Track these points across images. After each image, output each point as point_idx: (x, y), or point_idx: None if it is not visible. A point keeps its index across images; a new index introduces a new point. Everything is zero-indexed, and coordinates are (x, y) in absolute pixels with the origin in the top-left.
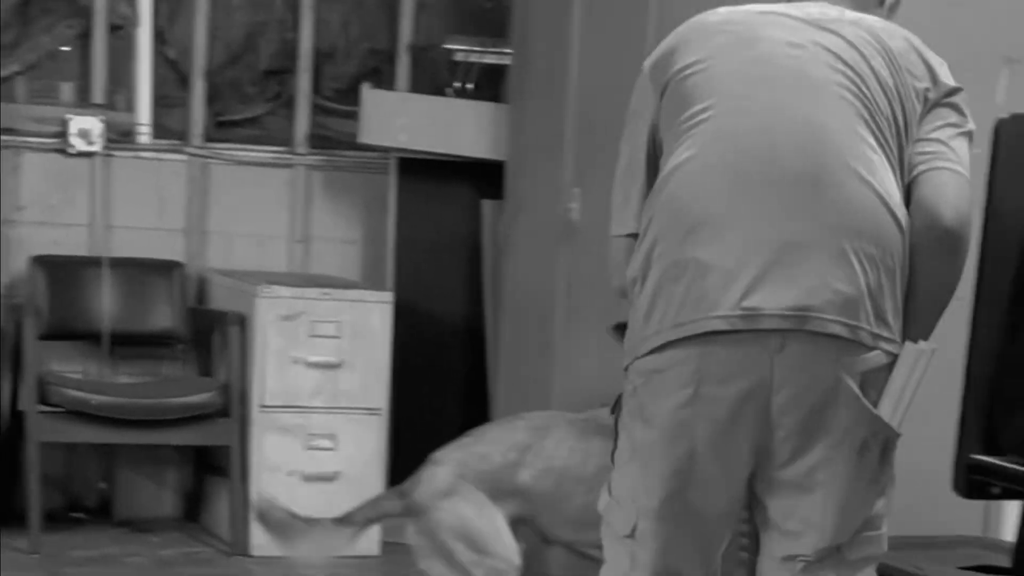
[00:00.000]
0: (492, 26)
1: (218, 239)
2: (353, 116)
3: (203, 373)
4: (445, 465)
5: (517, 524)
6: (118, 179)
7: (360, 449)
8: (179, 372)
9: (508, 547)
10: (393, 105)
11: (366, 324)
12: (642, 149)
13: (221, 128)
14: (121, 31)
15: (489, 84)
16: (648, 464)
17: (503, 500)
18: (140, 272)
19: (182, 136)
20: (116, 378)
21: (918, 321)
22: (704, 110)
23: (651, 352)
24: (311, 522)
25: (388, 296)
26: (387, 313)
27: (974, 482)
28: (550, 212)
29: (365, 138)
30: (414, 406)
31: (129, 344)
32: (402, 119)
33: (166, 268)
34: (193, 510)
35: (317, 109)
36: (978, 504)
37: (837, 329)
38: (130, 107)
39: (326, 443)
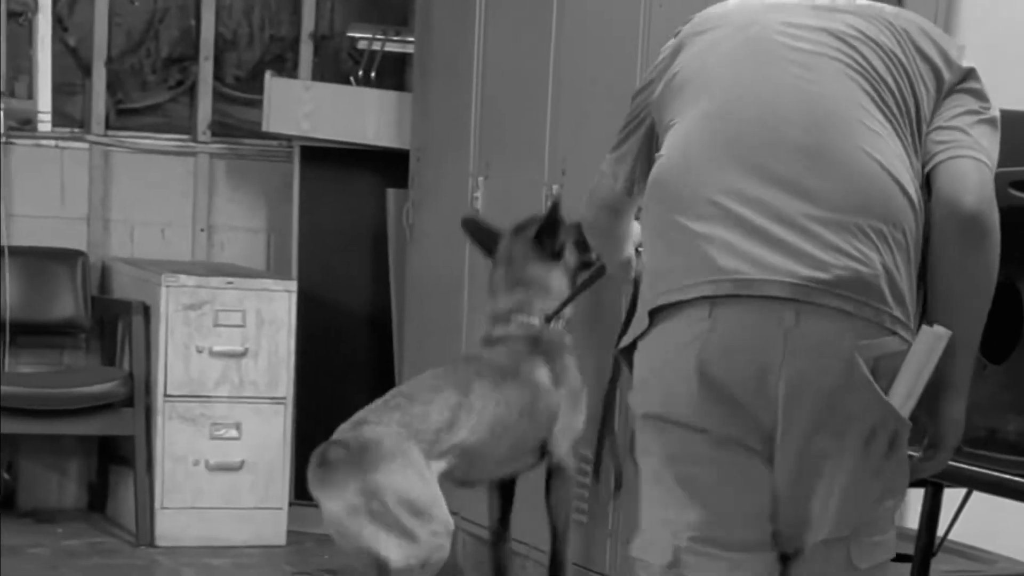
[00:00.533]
0: (395, 14)
1: (121, 228)
2: (256, 104)
3: (107, 363)
4: (388, 427)
5: (444, 479)
6: (18, 167)
7: (265, 438)
8: (82, 362)
9: (445, 512)
10: (296, 93)
11: (271, 313)
12: (644, 121)
13: (122, 116)
14: (20, 18)
15: (393, 72)
16: (673, 483)
17: (438, 459)
18: (41, 261)
19: (83, 124)
20: (18, 368)
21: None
22: (697, 92)
23: (660, 310)
24: None
25: (292, 285)
26: (292, 302)
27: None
28: (455, 200)
29: (268, 126)
30: (319, 395)
31: (31, 333)
32: (305, 107)
33: (68, 257)
34: (98, 500)
35: (219, 97)
36: None
37: (855, 308)
38: (30, 95)
39: (231, 432)
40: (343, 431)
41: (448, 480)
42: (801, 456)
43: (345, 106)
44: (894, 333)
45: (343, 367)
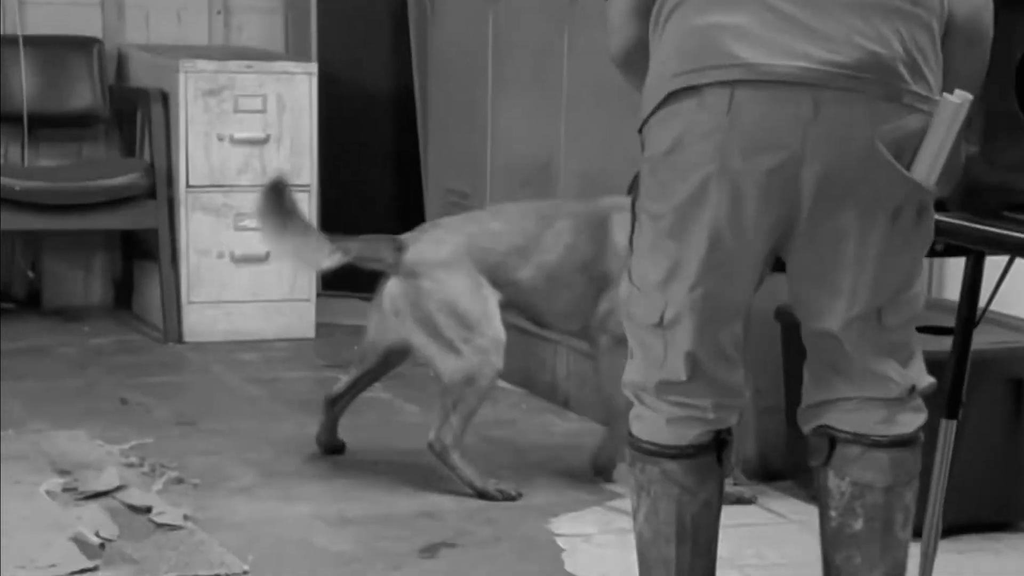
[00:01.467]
0: None
1: (135, 12)
2: None
3: (126, 154)
4: (453, 235)
5: (507, 308)
6: None
7: None
8: (101, 153)
9: (496, 328)
10: None
11: (292, 97)
12: None
13: None
14: None
15: None
16: (674, 249)
17: (499, 287)
18: (56, 49)
19: None
20: (37, 161)
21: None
22: None
23: (661, 107)
24: (306, 227)
25: (313, 67)
26: (313, 85)
27: None
28: None
29: None
30: (344, 181)
31: (48, 126)
32: None
33: (83, 45)
34: (124, 297)
35: None
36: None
37: (875, 90)
38: None
39: (255, 223)
40: (418, 229)
41: (507, 316)
42: (827, 238)
43: None
44: (916, 109)
45: (367, 151)
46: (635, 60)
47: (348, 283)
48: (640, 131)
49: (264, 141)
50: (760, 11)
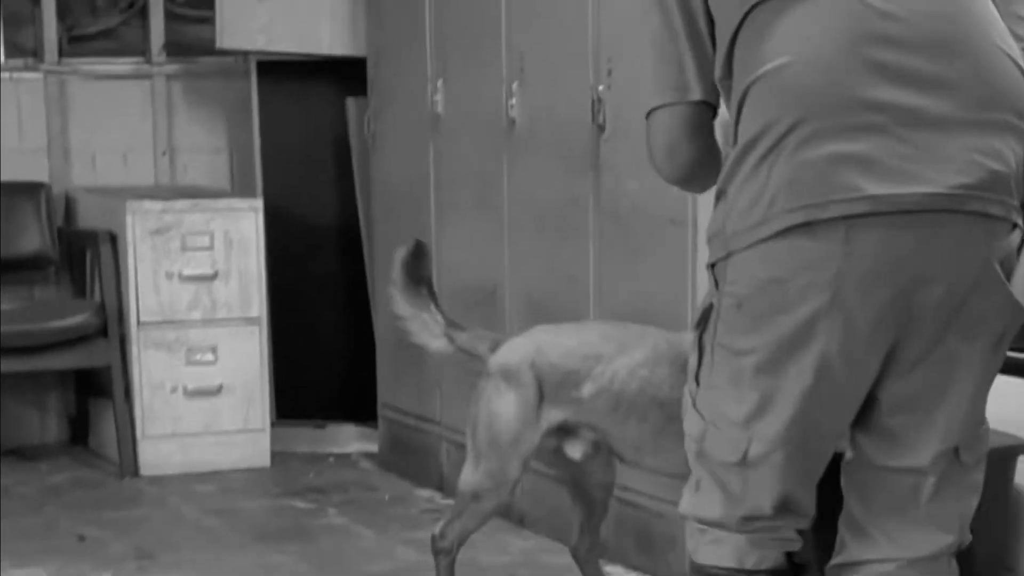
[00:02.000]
0: None
1: (82, 156)
2: (209, 21)
3: (78, 294)
4: (527, 343)
5: (577, 429)
6: None
7: (242, 359)
8: (53, 295)
9: (515, 465)
10: (249, 7)
11: (238, 232)
12: (684, 9)
13: (74, 43)
14: None
15: None
16: (766, 384)
17: (562, 405)
18: (5, 195)
19: (36, 54)
20: None
21: None
22: None
23: (765, 240)
24: (431, 304)
25: (258, 203)
26: (259, 220)
27: None
28: (415, 105)
29: (222, 43)
30: (293, 312)
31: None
32: (259, 20)
33: (31, 190)
34: (80, 434)
35: (171, 16)
36: None
37: (996, 209)
38: None
39: (207, 356)
40: (497, 337)
41: (581, 437)
42: (934, 364)
43: (299, 16)
44: (1015, 226)
45: (315, 282)
46: (699, 175)
47: (301, 411)
48: (714, 266)
49: (213, 277)
50: (884, 138)
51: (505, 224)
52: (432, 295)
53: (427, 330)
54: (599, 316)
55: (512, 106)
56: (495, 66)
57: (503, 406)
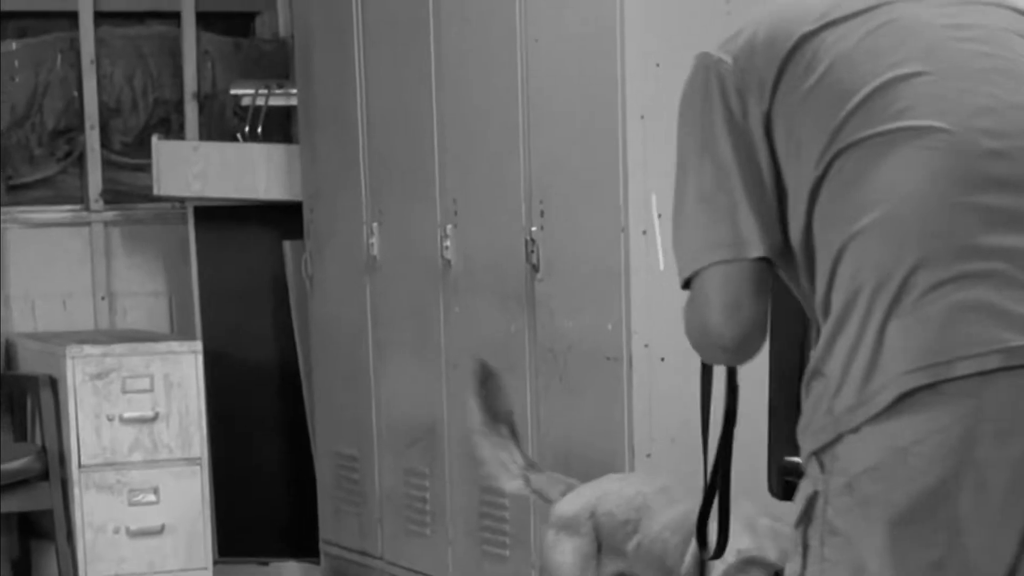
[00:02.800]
0: (276, 68)
1: (21, 303)
2: (146, 168)
3: (19, 438)
4: (589, 492)
5: None
6: None
7: (184, 500)
8: None
9: None
10: (184, 154)
11: (178, 375)
12: (746, 161)
13: (13, 192)
14: None
15: (279, 126)
16: (892, 569)
17: (617, 556)
18: None
19: None
20: None
21: None
22: (891, 104)
23: (885, 410)
24: (508, 441)
25: (198, 345)
26: (198, 362)
27: (787, 483)
28: (351, 248)
29: (160, 190)
30: (234, 452)
31: None
32: (195, 168)
33: None
34: None
35: (109, 164)
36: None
37: None
38: None
39: (149, 497)
40: (571, 483)
41: None
42: None
43: (234, 163)
44: None
45: (255, 423)
46: (758, 340)
47: (244, 549)
48: (818, 452)
49: (153, 419)
50: (1006, 285)
51: (443, 362)
52: (514, 433)
53: (505, 471)
54: (537, 452)
55: (447, 248)
56: (430, 209)
57: (559, 556)
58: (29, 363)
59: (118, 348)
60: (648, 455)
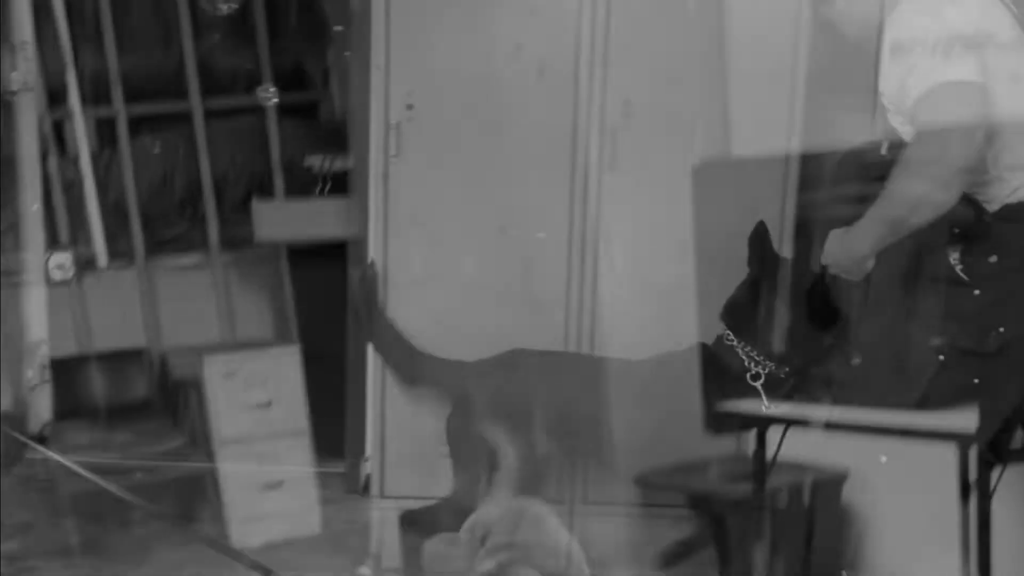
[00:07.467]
0: (339, 141)
1: (167, 327)
2: (248, 223)
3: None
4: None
5: None
6: None
7: (291, 461)
8: None
9: None
10: (276, 210)
11: (284, 372)
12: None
13: (156, 245)
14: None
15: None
16: None
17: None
18: None
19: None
20: None
21: None
22: None
23: None
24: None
25: (296, 349)
26: (297, 362)
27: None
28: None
29: (260, 237)
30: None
31: None
32: (285, 219)
33: None
34: None
35: (223, 221)
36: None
37: None
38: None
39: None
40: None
41: None
42: None
43: (312, 213)
44: None
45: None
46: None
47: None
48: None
49: (267, 405)
50: None
51: None
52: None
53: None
54: None
55: None
56: None
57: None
58: (179, 369)
59: (240, 354)
60: None
